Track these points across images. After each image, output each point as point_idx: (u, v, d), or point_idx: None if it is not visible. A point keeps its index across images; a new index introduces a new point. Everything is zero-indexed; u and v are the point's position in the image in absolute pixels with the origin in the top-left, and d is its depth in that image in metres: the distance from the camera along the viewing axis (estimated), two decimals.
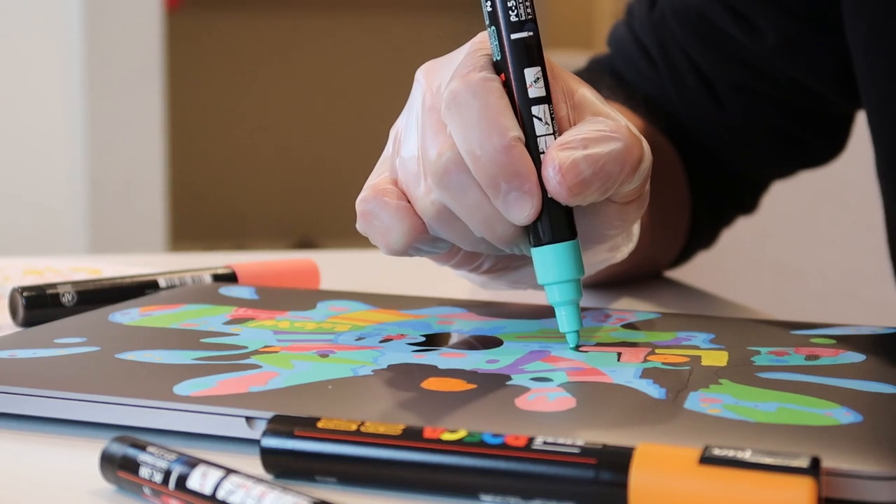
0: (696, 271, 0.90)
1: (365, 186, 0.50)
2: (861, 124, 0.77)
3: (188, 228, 3.29)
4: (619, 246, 0.56)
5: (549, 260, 0.48)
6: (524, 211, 0.47)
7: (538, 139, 0.47)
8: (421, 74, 0.50)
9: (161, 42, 2.24)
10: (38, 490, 0.39)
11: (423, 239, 0.49)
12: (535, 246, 0.48)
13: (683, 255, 0.81)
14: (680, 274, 0.82)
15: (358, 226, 0.50)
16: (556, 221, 0.47)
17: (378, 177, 0.50)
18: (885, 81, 0.70)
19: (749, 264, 2.09)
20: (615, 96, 0.75)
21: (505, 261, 0.54)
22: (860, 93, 0.73)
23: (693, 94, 0.77)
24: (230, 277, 0.65)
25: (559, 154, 0.46)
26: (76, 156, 2.21)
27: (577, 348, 0.49)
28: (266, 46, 3.46)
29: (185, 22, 3.22)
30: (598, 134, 0.47)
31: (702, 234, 0.81)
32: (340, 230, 3.43)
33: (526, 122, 0.47)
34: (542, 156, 0.47)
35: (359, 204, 0.49)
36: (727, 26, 0.75)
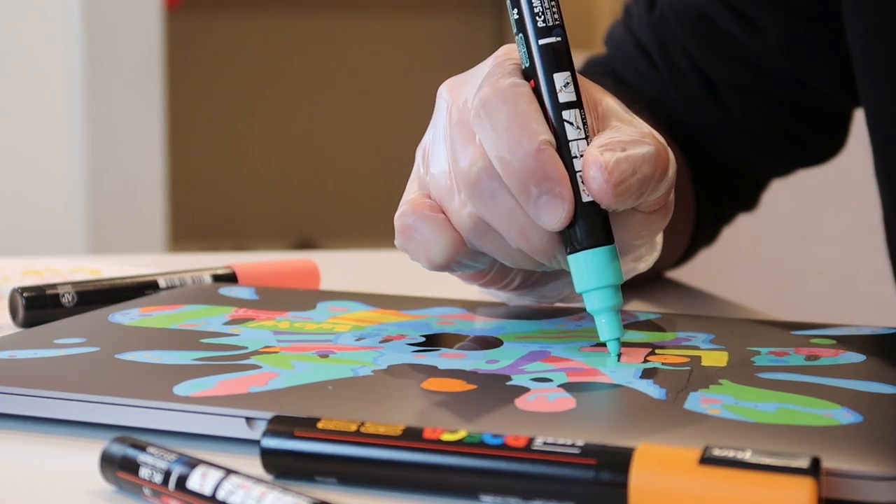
0: (696, 271, 0.90)
1: (401, 203, 0.50)
2: (861, 124, 0.77)
3: (188, 228, 3.29)
4: (644, 256, 0.55)
5: (587, 266, 0.47)
6: (556, 215, 0.46)
7: (570, 143, 0.47)
8: (445, 90, 0.50)
9: (161, 42, 2.23)
10: (38, 490, 0.39)
11: (464, 253, 0.49)
12: (571, 253, 0.47)
13: (686, 255, 0.81)
14: (680, 274, 0.82)
15: (397, 242, 0.49)
16: (592, 226, 0.47)
17: (411, 194, 0.50)
18: (883, 80, 0.70)
19: (749, 264, 2.09)
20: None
21: (533, 276, 0.54)
22: (859, 91, 0.73)
23: (694, 94, 0.77)
24: (230, 277, 0.65)
25: (604, 154, 0.46)
26: (76, 156, 2.21)
27: (618, 357, 0.48)
28: (266, 46, 3.46)
29: (185, 22, 3.22)
30: (630, 137, 0.47)
31: (704, 232, 0.81)
32: (340, 230, 3.42)
33: (557, 127, 0.47)
34: (575, 160, 0.47)
35: (398, 219, 0.49)
36: (729, 26, 0.75)
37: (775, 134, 0.78)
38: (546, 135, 0.46)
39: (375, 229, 2.87)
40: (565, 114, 0.47)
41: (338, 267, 0.77)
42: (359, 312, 0.56)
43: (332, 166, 3.49)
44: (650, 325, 0.54)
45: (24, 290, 0.58)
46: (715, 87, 0.77)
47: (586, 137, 0.47)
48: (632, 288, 0.71)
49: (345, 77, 3.46)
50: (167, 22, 2.32)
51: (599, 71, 0.81)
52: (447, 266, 0.49)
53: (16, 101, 2.21)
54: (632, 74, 0.80)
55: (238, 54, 3.44)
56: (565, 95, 0.47)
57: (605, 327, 0.47)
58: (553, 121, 0.47)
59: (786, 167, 0.83)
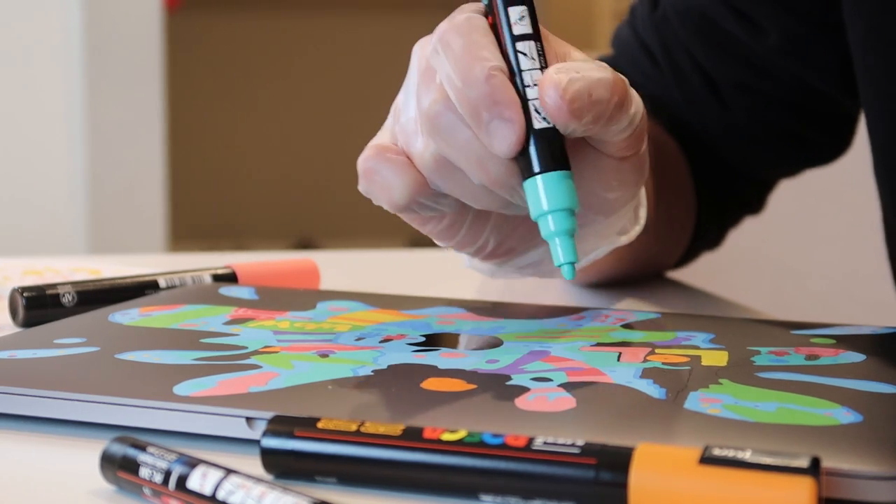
0: (696, 271, 0.90)
1: (366, 147, 0.51)
2: (861, 123, 0.77)
3: (188, 228, 3.29)
4: (627, 229, 0.56)
5: (541, 189, 0.47)
6: (507, 139, 0.46)
7: (524, 74, 0.48)
8: (417, 47, 0.51)
9: (161, 42, 2.23)
10: (38, 490, 0.39)
11: (426, 193, 0.49)
12: (526, 178, 0.47)
13: (688, 256, 0.81)
14: (680, 274, 0.82)
15: (360, 186, 0.50)
16: (547, 150, 0.47)
17: (377, 140, 0.51)
18: (882, 80, 0.70)
19: (749, 264, 2.08)
20: None
21: (509, 242, 0.54)
22: (859, 91, 0.73)
23: (697, 94, 0.77)
24: (230, 277, 0.65)
25: (556, 75, 0.47)
26: (76, 156, 2.21)
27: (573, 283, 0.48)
28: (266, 47, 3.46)
29: (185, 22, 3.22)
30: (587, 66, 0.48)
31: (707, 233, 0.81)
32: (340, 230, 3.43)
33: (511, 57, 0.48)
34: (528, 89, 0.47)
35: (360, 163, 0.50)
36: (730, 26, 0.75)
37: (779, 134, 0.78)
38: (496, 62, 0.47)
39: (375, 229, 2.87)
40: (519, 45, 0.48)
41: (338, 267, 0.77)
42: (359, 312, 0.56)
43: (332, 166, 3.49)
44: (650, 324, 0.54)
45: (24, 290, 0.58)
46: (717, 87, 0.77)
47: (541, 68, 0.48)
48: (632, 288, 0.72)
49: (345, 77, 3.46)
50: (167, 22, 2.32)
51: None
52: (409, 207, 0.50)
53: (16, 101, 2.21)
54: (636, 75, 0.80)
55: (238, 54, 3.44)
56: (520, 28, 0.48)
57: (560, 251, 0.47)
58: (509, 51, 0.48)
59: (791, 168, 0.82)
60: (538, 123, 0.47)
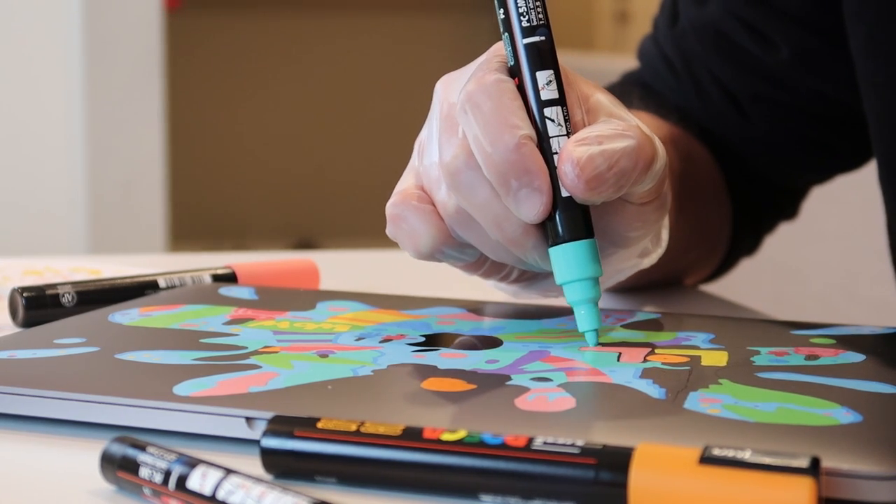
0: None
1: (393, 192, 0.51)
2: None
3: (188, 229, 3.29)
4: (649, 252, 0.56)
5: (567, 258, 0.48)
6: (534, 208, 0.47)
7: (551, 140, 0.48)
8: (440, 86, 0.52)
9: (161, 42, 2.23)
10: (38, 490, 0.39)
11: (450, 243, 0.50)
12: (553, 245, 0.48)
13: (726, 264, 0.81)
14: None
15: (387, 230, 0.51)
16: (572, 220, 0.48)
17: (404, 184, 0.51)
18: (883, 88, 0.70)
19: (749, 264, 2.08)
20: (647, 106, 0.76)
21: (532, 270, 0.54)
22: (862, 98, 0.73)
23: (717, 106, 0.77)
24: (230, 277, 0.65)
25: (576, 149, 0.47)
26: (76, 156, 2.21)
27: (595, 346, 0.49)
28: (266, 47, 3.46)
29: (185, 22, 3.22)
30: (611, 132, 0.48)
31: (744, 241, 0.81)
32: (340, 230, 3.42)
33: (539, 124, 0.48)
34: (555, 156, 0.48)
35: (388, 208, 0.51)
36: (743, 41, 0.75)
37: (801, 142, 0.78)
38: (527, 130, 0.48)
39: (375, 229, 2.86)
40: (547, 111, 0.49)
41: (338, 267, 0.77)
42: (359, 312, 0.56)
43: (332, 166, 3.49)
44: (650, 324, 0.54)
45: (24, 290, 0.58)
46: (736, 99, 0.77)
47: (567, 134, 0.48)
48: (643, 290, 0.71)
49: (345, 77, 3.46)
50: (167, 22, 2.31)
51: (631, 83, 0.81)
52: (433, 256, 0.51)
53: (15, 101, 2.21)
54: (660, 87, 0.80)
55: (238, 54, 3.44)
56: (547, 93, 0.49)
57: (584, 318, 0.49)
58: (536, 117, 0.49)
59: (819, 174, 0.82)
60: (565, 192, 0.48)
